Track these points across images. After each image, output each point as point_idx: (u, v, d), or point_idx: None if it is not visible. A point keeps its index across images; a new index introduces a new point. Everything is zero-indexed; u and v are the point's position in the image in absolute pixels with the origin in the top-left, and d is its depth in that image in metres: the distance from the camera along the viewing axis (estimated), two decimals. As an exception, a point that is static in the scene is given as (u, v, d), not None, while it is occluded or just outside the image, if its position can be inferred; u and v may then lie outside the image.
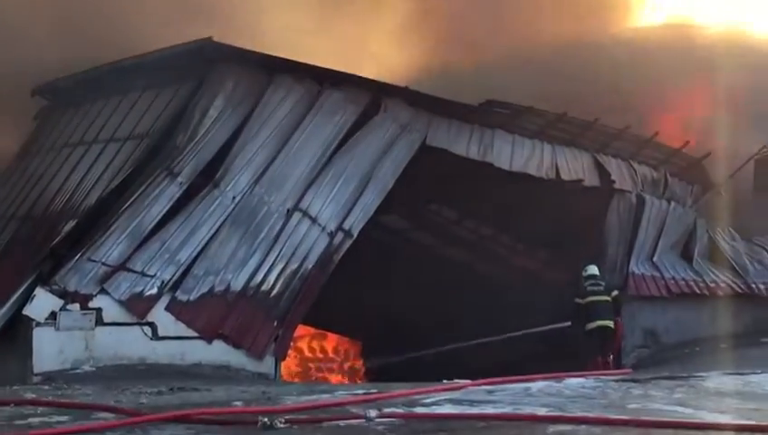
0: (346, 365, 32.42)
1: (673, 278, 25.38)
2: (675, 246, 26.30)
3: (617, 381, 16.79)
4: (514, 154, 23.13)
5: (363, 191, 20.39)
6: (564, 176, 23.94)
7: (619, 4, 34.52)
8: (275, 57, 19.39)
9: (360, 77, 20.73)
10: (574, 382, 16.17)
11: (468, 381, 15.97)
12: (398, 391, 14.40)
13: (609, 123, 24.73)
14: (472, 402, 13.43)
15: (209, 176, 18.65)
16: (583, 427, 10.89)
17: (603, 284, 22.39)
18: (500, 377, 16.38)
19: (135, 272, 17.55)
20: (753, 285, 26.65)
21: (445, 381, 16.25)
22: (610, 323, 22.04)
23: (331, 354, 32.30)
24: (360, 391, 15.03)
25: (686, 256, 26.39)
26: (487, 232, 28.96)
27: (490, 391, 14.89)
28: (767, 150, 28.31)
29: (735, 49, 31.59)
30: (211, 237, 18.41)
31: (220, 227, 18.53)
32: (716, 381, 16.54)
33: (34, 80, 22.76)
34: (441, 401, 13.66)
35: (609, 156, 25.12)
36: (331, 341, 32.08)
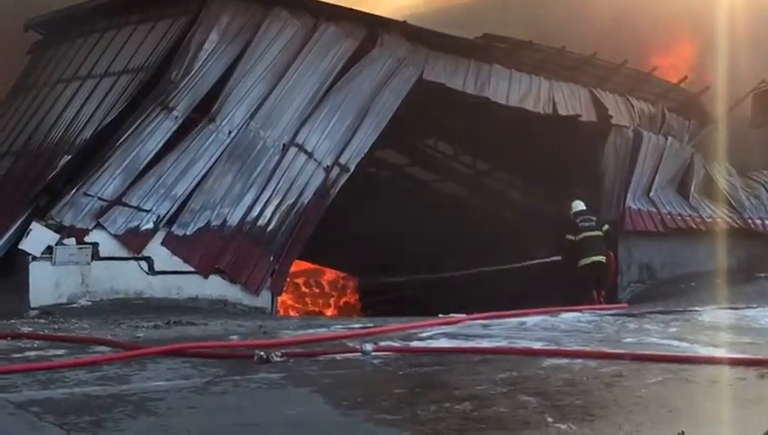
0: (342, 300, 32.55)
1: (669, 213, 25.40)
2: (672, 181, 26.30)
3: (612, 315, 16.89)
4: (511, 89, 23.02)
5: (360, 126, 20.30)
6: (561, 111, 23.86)
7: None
8: (271, -10, 19.25)
9: (356, 11, 20.55)
10: (570, 317, 16.27)
11: (464, 316, 16.07)
12: (395, 325, 14.48)
13: (606, 58, 24.56)
14: (467, 337, 13.51)
15: (205, 111, 18.53)
16: (579, 361, 10.96)
17: (594, 219, 22.39)
18: (495, 311, 16.47)
19: (131, 207, 17.49)
20: (750, 221, 26.74)
21: (440, 315, 16.33)
22: (603, 259, 22.12)
23: (326, 289, 32.42)
24: (357, 326, 15.11)
25: (683, 191, 26.40)
26: (484, 167, 29.02)
27: (485, 326, 14.98)
28: (765, 85, 28.17)
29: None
30: (207, 172, 18.33)
31: (216, 161, 18.44)
32: (711, 315, 16.64)
33: (28, 14, 22.57)
34: (437, 335, 13.74)
35: (607, 91, 25.05)
36: (328, 276, 32.18)
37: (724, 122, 27.44)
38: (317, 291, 32.50)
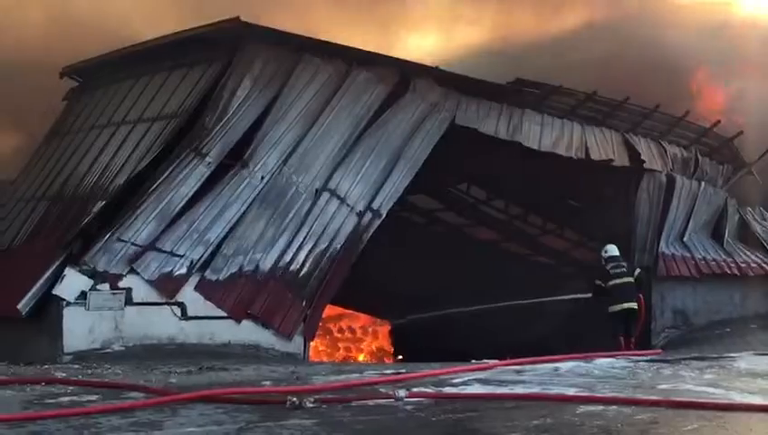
0: (374, 345, 32.46)
1: (703, 258, 25.20)
2: (705, 226, 26.13)
3: (647, 361, 16.72)
4: (543, 134, 23.00)
5: (392, 171, 20.36)
6: (594, 156, 23.78)
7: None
8: (303, 37, 19.34)
9: (388, 57, 20.68)
10: (604, 363, 16.12)
11: (497, 361, 15.97)
12: (427, 371, 14.40)
13: (639, 103, 24.51)
14: (501, 382, 13.41)
15: (238, 156, 18.63)
16: (613, 407, 10.84)
17: (625, 265, 22.12)
18: (529, 357, 16.36)
19: (164, 252, 17.59)
20: (785, 266, 26.44)
21: (473, 361, 16.24)
22: (634, 305, 21.82)
23: (358, 334, 32.35)
24: (390, 371, 15.03)
25: (717, 236, 26.21)
26: (516, 211, 28.94)
27: (519, 371, 14.88)
28: (799, 128, 27.96)
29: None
30: (240, 217, 18.43)
31: (249, 206, 18.54)
32: (747, 361, 16.42)
33: (64, 61, 22.83)
34: (470, 380, 13.65)
35: (639, 135, 24.94)
36: (360, 321, 32.12)
37: (759, 167, 27.32)
38: (349, 336, 32.45)
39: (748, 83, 27.63)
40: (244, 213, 18.50)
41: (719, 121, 26.47)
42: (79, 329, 16.66)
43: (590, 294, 22.37)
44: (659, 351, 20.86)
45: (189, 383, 13.12)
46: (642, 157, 24.65)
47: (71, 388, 12.54)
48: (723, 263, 25.48)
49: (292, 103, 19.25)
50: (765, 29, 31.13)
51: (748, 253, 26.21)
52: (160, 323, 17.45)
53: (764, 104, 26.95)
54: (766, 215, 27.57)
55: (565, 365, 15.49)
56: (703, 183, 25.95)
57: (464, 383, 13.36)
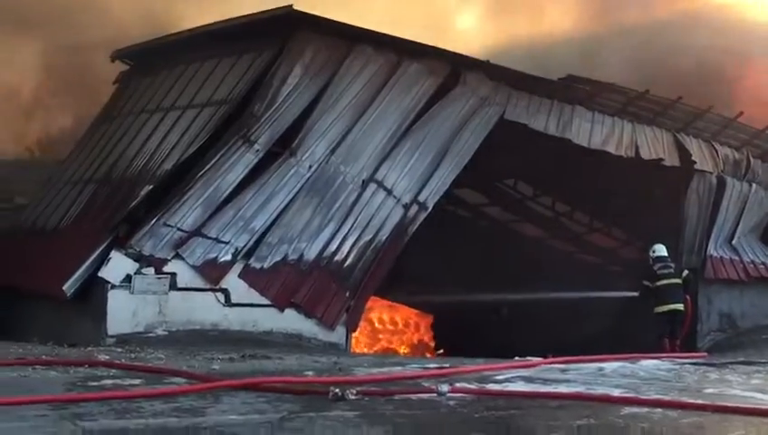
0: (415, 338, 32.37)
1: (752, 262, 24.92)
2: (755, 229, 25.81)
3: (693, 364, 16.55)
4: (593, 131, 22.78)
5: (439, 164, 20.26)
6: (644, 155, 23.54)
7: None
8: (355, 27, 19.26)
9: (439, 49, 20.51)
10: (649, 364, 15.97)
11: (541, 359, 15.86)
12: (471, 366, 14.33)
13: (692, 102, 24.24)
14: (545, 381, 13.31)
15: (286, 144, 18.62)
16: (658, 410, 10.70)
17: (673, 265, 21.92)
18: (574, 356, 16.23)
19: (210, 238, 17.62)
20: (835, 270, 26.05)
21: (517, 358, 16.15)
22: (681, 307, 21.63)
23: (400, 327, 32.27)
24: (432, 366, 14.97)
25: (767, 239, 25.89)
26: (563, 209, 28.74)
27: (563, 370, 14.76)
28: None
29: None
30: (286, 206, 18.42)
31: (295, 195, 18.53)
32: (795, 367, 16.23)
33: (116, 45, 22.92)
34: (514, 378, 13.55)
35: (691, 136, 24.65)
36: (402, 313, 32.03)
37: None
38: (390, 328, 32.36)
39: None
40: (290, 202, 18.49)
41: (773, 123, 26.11)
42: (123, 312, 16.74)
43: (637, 294, 22.15)
44: (705, 354, 20.62)
45: (232, 370, 13.12)
46: (693, 157, 24.37)
47: (113, 371, 12.57)
48: (772, 266, 25.18)
49: (341, 93, 19.20)
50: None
51: (798, 257, 25.86)
52: (204, 309, 17.50)
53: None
54: (817, 219, 27.13)
55: (610, 366, 15.35)
56: (754, 185, 25.63)
57: (507, 380, 13.26)
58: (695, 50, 29.09)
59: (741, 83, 29.15)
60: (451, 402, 10.99)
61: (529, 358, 15.96)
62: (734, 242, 24.90)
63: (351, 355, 17.98)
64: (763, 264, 25.14)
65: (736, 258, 24.74)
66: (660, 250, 21.80)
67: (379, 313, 30.97)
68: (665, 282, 21.42)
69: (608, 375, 14.37)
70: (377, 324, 31.55)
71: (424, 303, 30.19)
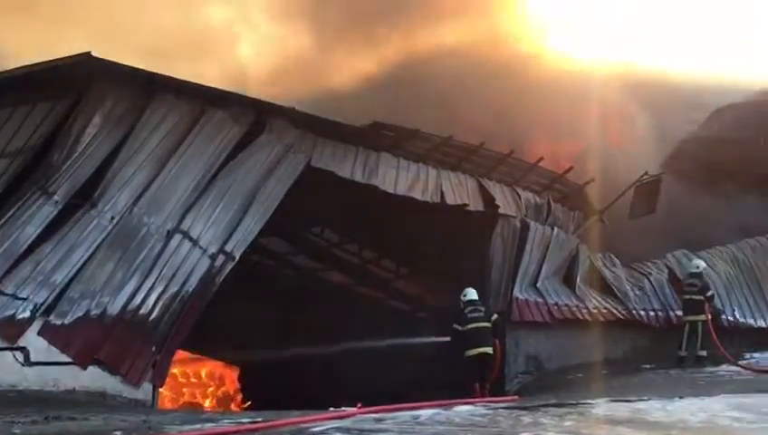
0: (220, 391, 31.88)
1: (556, 304, 25.38)
2: (558, 271, 26.32)
3: (506, 408, 16.57)
4: (399, 177, 22.87)
5: (246, 213, 19.93)
6: (449, 200, 23.76)
7: (510, 34, 34.73)
8: (156, 74, 18.72)
9: (244, 96, 20.27)
10: (464, 410, 15.90)
11: (356, 409, 15.64)
12: (285, 419, 13.97)
13: (494, 148, 24.60)
14: (361, 431, 13.09)
15: (87, 196, 17.96)
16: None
17: (483, 309, 22.18)
18: (388, 404, 16.05)
19: (6, 295, 16.86)
20: (634, 311, 26.77)
21: (332, 408, 15.88)
22: (490, 350, 21.92)
23: (204, 379, 31.74)
24: (245, 420, 14.54)
25: (569, 281, 26.42)
26: (370, 255, 28.73)
27: (379, 419, 14.54)
28: (648, 177, 28.56)
29: (619, 81, 32.20)
30: (88, 259, 17.76)
31: (97, 248, 17.89)
32: (605, 408, 16.41)
33: None
34: (330, 429, 13.26)
35: (494, 181, 25.03)
36: (207, 366, 31.53)
37: (608, 213, 27.77)
38: (195, 381, 31.80)
39: (597, 132, 28.14)
40: (92, 254, 17.84)
41: (571, 168, 26.75)
42: None
43: (448, 338, 22.27)
44: (516, 397, 20.81)
45: (36, 434, 12.42)
46: (496, 202, 24.73)
47: None
48: (575, 308, 25.70)
49: (144, 142, 18.66)
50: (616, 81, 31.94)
51: (599, 298, 26.47)
52: (1, 370, 16.64)
53: (615, 151, 27.43)
54: (616, 261, 27.88)
55: (425, 413, 15.21)
56: (555, 229, 26.17)
57: (323, 433, 12.97)
58: (496, 96, 29.68)
59: (540, 129, 29.85)
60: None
61: (343, 408, 15.70)
62: (538, 285, 25.33)
63: (160, 412, 17.38)
64: (567, 305, 25.62)
65: (541, 301, 25.15)
66: (471, 294, 22.06)
67: (183, 366, 30.39)
68: (474, 325, 21.63)
69: (423, 423, 14.21)
70: (180, 378, 30.96)
71: (230, 355, 29.77)
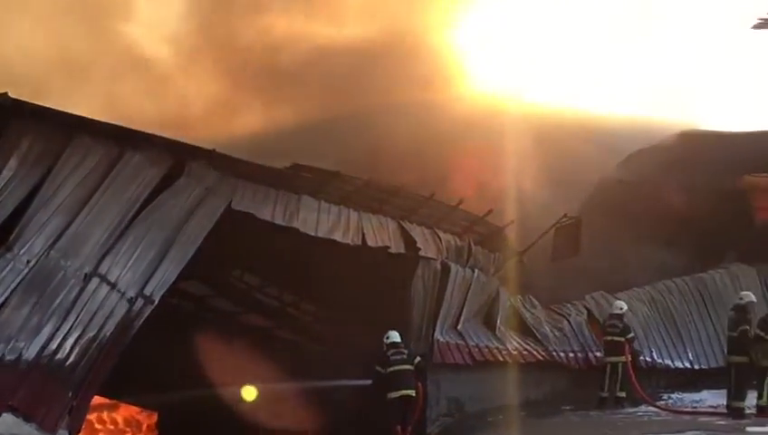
0: (139, 437, 31.51)
1: (477, 346, 25.44)
2: (478, 313, 26.42)
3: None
4: (320, 220, 22.77)
5: (165, 256, 19.66)
6: (370, 242, 23.73)
7: (429, 77, 35.05)
8: (74, 115, 18.49)
9: (163, 138, 20.01)
10: (386, 454, 15.85)
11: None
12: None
13: (415, 190, 24.69)
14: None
15: (2, 240, 17.61)
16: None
17: (406, 352, 22.24)
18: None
19: None
20: (554, 353, 26.96)
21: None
22: (412, 392, 21.97)
23: (121, 426, 31.33)
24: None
25: (490, 323, 26.52)
26: (290, 299, 28.64)
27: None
28: (566, 220, 28.87)
29: (537, 125, 32.59)
30: (2, 303, 17.37)
31: (12, 292, 17.49)
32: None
33: None
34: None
35: (415, 223, 25.08)
36: (123, 412, 31.12)
37: (528, 255, 28.00)
38: (111, 428, 31.35)
39: (520, 173, 28.39)
40: (6, 299, 17.43)
41: (491, 210, 26.91)
42: None
43: (370, 381, 22.26)
44: (435, 440, 20.86)
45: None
46: (417, 244, 24.78)
47: None
48: (495, 350, 25.78)
49: (61, 185, 18.31)
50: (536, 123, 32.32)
51: (519, 340, 26.60)
52: None
53: (530, 195, 27.68)
54: (535, 303, 28.08)
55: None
56: (476, 271, 26.28)
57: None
58: (417, 138, 29.87)
59: (460, 172, 30.06)
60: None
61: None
62: (459, 327, 25.39)
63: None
64: (487, 347, 25.70)
65: (462, 343, 25.20)
66: (394, 337, 22.14)
67: (100, 411, 29.99)
68: (397, 368, 21.69)
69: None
70: (97, 424, 30.54)
71: (148, 400, 29.42)
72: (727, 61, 40.14)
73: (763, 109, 38.85)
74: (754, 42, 37.93)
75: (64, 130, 18.51)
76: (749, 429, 20.21)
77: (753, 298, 23.47)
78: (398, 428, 21.52)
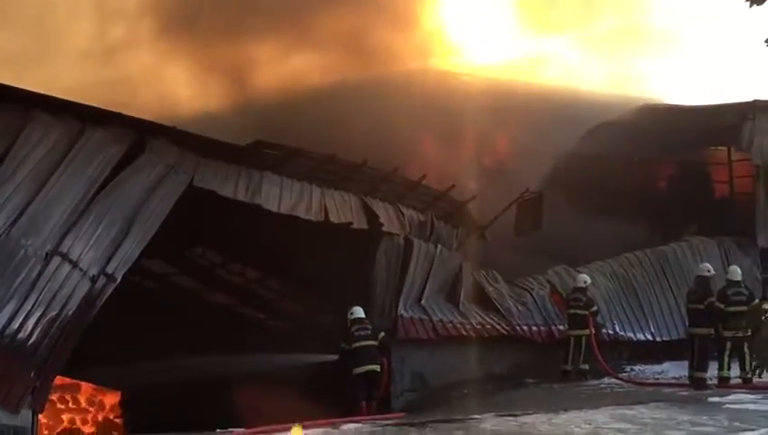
0: (101, 416, 31.35)
1: (440, 321, 25.52)
2: (442, 288, 26.46)
3: (394, 425, 16.60)
4: (283, 196, 22.73)
5: (127, 234, 19.48)
6: (333, 218, 23.72)
7: (391, 52, 34.96)
8: (33, 92, 18.25)
9: (124, 115, 19.82)
10: (351, 428, 15.88)
11: (242, 430, 15.51)
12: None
13: (377, 166, 24.67)
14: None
15: (-40, 219, 17.45)
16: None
17: (370, 327, 22.32)
18: (272, 424, 15.96)
19: None
20: (517, 327, 27.06)
21: (219, 430, 15.73)
22: (377, 368, 22.08)
23: (83, 405, 31.20)
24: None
25: (453, 298, 26.57)
26: (254, 275, 28.56)
27: (267, 440, 14.43)
28: (529, 194, 28.97)
29: (500, 98, 32.60)
30: (-38, 284, 17.22)
31: (-28, 272, 17.35)
32: (492, 422, 16.55)
33: None
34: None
35: (378, 199, 25.09)
36: (84, 391, 30.99)
37: (491, 230, 28.07)
38: (73, 407, 31.20)
39: (483, 147, 28.44)
40: (-34, 279, 17.31)
41: (453, 186, 26.98)
42: None
43: (336, 357, 22.30)
44: (403, 414, 20.90)
45: None
46: (380, 220, 24.78)
47: None
48: (459, 325, 25.86)
49: (21, 163, 18.09)
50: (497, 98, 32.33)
51: (483, 314, 26.68)
52: None
53: (498, 167, 27.73)
54: (498, 277, 28.16)
55: (313, 432, 15.16)
56: (439, 246, 26.32)
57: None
58: (379, 114, 29.82)
59: (423, 147, 30.07)
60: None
61: (230, 430, 15.57)
62: (423, 302, 25.44)
63: (40, 439, 16.96)
64: (451, 322, 25.77)
65: (426, 318, 25.27)
66: (358, 312, 22.20)
67: (62, 391, 29.84)
68: (361, 343, 21.77)
69: (311, 443, 14.15)
70: (59, 404, 30.40)
71: (110, 380, 29.31)
72: (687, 35, 40.38)
73: (721, 82, 39.13)
74: (714, 17, 38.19)
75: (23, 106, 18.31)
76: (711, 399, 20.39)
77: (713, 271, 23.70)
78: (364, 403, 21.57)
